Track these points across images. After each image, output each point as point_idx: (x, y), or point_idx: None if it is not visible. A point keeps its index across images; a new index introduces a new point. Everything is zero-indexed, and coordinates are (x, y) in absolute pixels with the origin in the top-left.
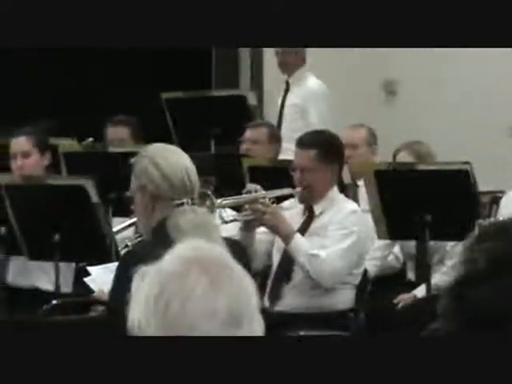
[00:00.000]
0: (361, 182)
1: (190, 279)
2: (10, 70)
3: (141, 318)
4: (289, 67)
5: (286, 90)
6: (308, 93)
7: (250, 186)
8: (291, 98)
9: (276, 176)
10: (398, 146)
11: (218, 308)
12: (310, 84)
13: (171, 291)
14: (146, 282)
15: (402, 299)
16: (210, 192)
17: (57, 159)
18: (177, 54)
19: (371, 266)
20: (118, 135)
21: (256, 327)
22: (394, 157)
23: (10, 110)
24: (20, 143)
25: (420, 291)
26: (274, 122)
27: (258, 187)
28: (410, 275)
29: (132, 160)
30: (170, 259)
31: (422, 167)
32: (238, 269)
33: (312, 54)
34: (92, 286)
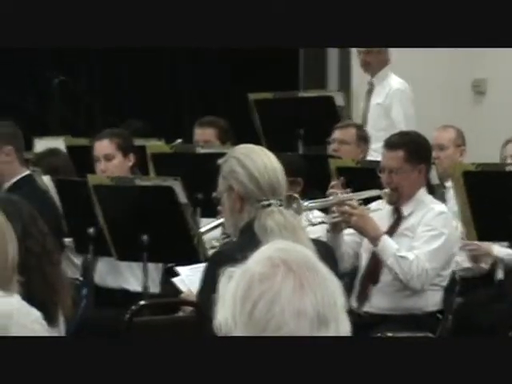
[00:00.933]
0: (449, 183)
1: (277, 280)
2: (101, 72)
3: (228, 318)
4: (371, 67)
5: (370, 90)
6: (391, 92)
7: (335, 183)
8: (375, 98)
9: (364, 177)
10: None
11: (304, 309)
12: (393, 83)
13: (258, 292)
14: (232, 282)
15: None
16: (296, 195)
17: (145, 160)
18: (264, 55)
19: (459, 267)
20: (205, 136)
21: (342, 328)
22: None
23: (100, 111)
24: (103, 146)
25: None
26: (360, 122)
27: (340, 182)
28: (500, 275)
29: (219, 161)
30: (257, 260)
31: (510, 168)
32: (324, 270)
33: (399, 53)
34: (180, 286)
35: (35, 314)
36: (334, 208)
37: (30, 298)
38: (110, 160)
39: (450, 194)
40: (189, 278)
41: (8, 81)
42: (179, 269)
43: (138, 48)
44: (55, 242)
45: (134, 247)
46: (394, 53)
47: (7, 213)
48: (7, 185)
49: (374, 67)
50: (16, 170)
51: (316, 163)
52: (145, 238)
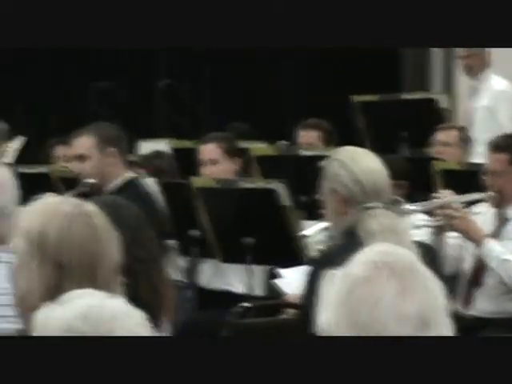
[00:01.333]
0: None
1: (379, 284)
2: (207, 74)
3: (330, 321)
4: (473, 70)
5: (474, 93)
6: (496, 94)
7: (442, 192)
8: (479, 101)
9: (467, 179)
10: None
11: (407, 312)
12: (497, 85)
13: (360, 295)
14: (334, 285)
15: None
16: (400, 198)
17: (249, 162)
18: (365, 56)
19: None
20: (308, 139)
21: (444, 330)
22: None
23: (205, 113)
24: (208, 150)
25: None
26: (465, 124)
27: (450, 192)
28: None
29: (323, 163)
30: (359, 263)
31: None
32: (427, 273)
33: (501, 53)
34: (283, 288)
35: (139, 315)
36: (438, 211)
37: (135, 301)
38: (215, 164)
39: None
40: (292, 280)
41: (116, 83)
42: (282, 271)
43: (243, 49)
44: (160, 245)
45: (237, 249)
46: (496, 54)
47: (115, 217)
48: (111, 187)
49: (475, 70)
50: (120, 172)
51: (419, 165)
52: (249, 240)
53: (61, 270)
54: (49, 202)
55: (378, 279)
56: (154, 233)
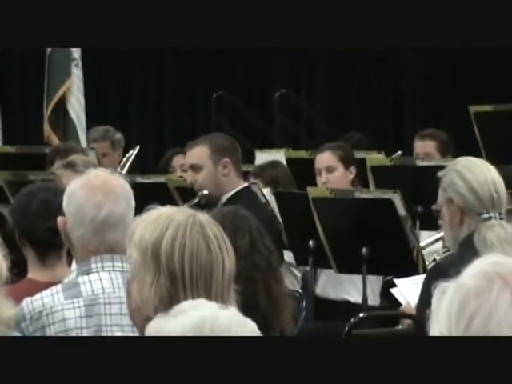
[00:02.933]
0: None
1: (493, 294)
2: (323, 84)
3: (443, 333)
4: None
5: None
6: None
7: None
8: None
9: None
10: None
11: None
12: None
13: (474, 307)
14: (446, 297)
15: None
16: None
17: (364, 172)
18: (483, 65)
19: None
20: (425, 149)
21: None
22: None
23: (321, 123)
24: (324, 158)
25: None
26: None
27: None
28: None
29: (439, 173)
30: (471, 274)
31: None
32: None
33: None
34: (399, 298)
35: (252, 326)
36: None
37: (253, 310)
38: (331, 172)
39: None
40: (407, 290)
41: (233, 93)
42: (398, 281)
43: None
44: (277, 255)
45: (353, 259)
46: None
47: (235, 226)
48: (225, 197)
49: None
50: (234, 183)
51: None
52: (364, 250)
53: (175, 280)
54: (163, 213)
55: (491, 290)
56: (272, 243)
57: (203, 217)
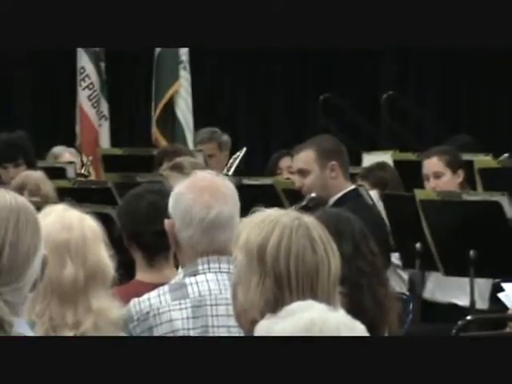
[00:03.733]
0: None
1: None
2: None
3: None
4: None
5: None
6: None
7: None
8: None
9: None
10: None
11: None
12: None
13: None
14: None
15: None
16: None
17: (472, 175)
18: None
19: None
20: None
21: None
22: None
23: (430, 124)
24: (432, 164)
25: None
26: None
27: None
28: None
29: None
30: None
31: None
32: None
33: None
34: (506, 302)
35: (361, 328)
36: None
37: (359, 314)
38: (439, 177)
39: None
40: None
41: (342, 95)
42: (506, 285)
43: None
44: (384, 258)
45: (461, 262)
46: None
47: (339, 229)
48: (333, 200)
49: None
50: (341, 185)
51: None
52: (472, 253)
53: (280, 282)
54: (268, 215)
55: None
56: (377, 245)
57: (308, 219)
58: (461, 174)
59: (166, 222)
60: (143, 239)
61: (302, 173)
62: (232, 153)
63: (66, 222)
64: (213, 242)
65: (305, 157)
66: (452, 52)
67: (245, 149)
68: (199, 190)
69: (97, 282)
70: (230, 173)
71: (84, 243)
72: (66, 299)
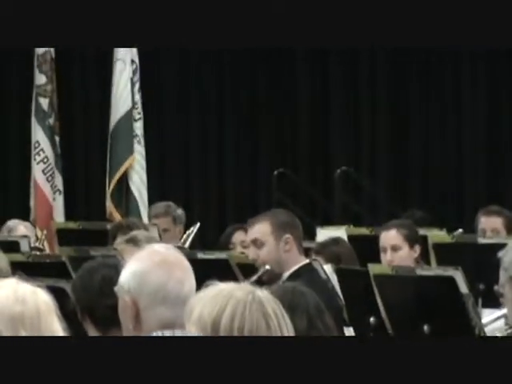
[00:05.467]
0: None
1: None
2: (385, 161)
3: None
4: None
5: None
6: None
7: None
8: None
9: None
10: None
11: None
12: None
13: None
14: None
15: None
16: None
17: (426, 249)
18: None
19: None
20: (491, 225)
21: None
22: None
23: (383, 200)
24: (390, 236)
25: None
26: None
27: None
28: None
29: (500, 253)
30: None
31: None
32: None
33: None
34: None
35: None
36: None
37: None
38: (396, 251)
39: None
40: None
41: (292, 172)
42: None
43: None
44: (338, 333)
45: (415, 337)
46: None
47: (293, 304)
48: (287, 274)
49: None
50: (295, 259)
51: None
52: (426, 327)
53: None
54: (222, 289)
55: None
56: (331, 319)
57: (262, 293)
58: (417, 248)
59: (126, 300)
60: (97, 313)
61: (257, 244)
62: (187, 227)
63: (20, 295)
64: (179, 316)
65: (260, 228)
66: (403, 124)
67: (198, 224)
68: (169, 265)
69: None
70: (186, 246)
71: (38, 316)
72: None
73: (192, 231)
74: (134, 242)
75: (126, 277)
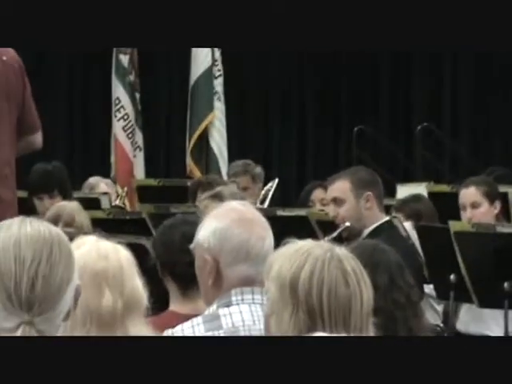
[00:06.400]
0: None
1: None
2: (465, 117)
3: None
4: None
5: None
6: None
7: None
8: None
9: None
10: None
11: None
12: None
13: None
14: None
15: None
16: None
17: (507, 206)
18: None
19: None
20: None
21: None
22: None
23: (465, 157)
24: (470, 194)
25: None
26: None
27: None
28: None
29: None
30: None
31: None
32: None
33: None
34: None
35: None
36: None
37: None
38: (476, 207)
39: None
40: None
41: (376, 127)
42: None
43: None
44: (418, 290)
45: (495, 294)
46: None
47: (374, 261)
48: (367, 231)
49: None
50: (376, 216)
51: None
52: (506, 284)
53: (313, 314)
54: (300, 246)
55: None
56: (412, 277)
57: (341, 251)
58: (497, 205)
59: (207, 258)
60: (178, 270)
61: (337, 202)
62: (265, 184)
63: (102, 252)
64: (259, 273)
65: (340, 186)
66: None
67: (277, 179)
68: (249, 222)
69: (133, 310)
70: (266, 204)
71: (121, 272)
72: (105, 327)
73: (271, 186)
74: (219, 198)
75: (204, 234)
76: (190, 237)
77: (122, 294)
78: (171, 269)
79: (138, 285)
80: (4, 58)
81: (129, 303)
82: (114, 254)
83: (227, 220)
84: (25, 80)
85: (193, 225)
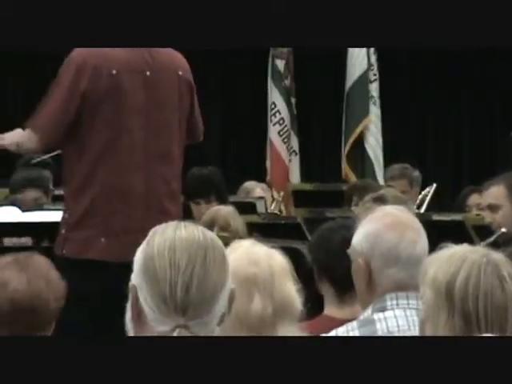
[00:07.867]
0: None
1: None
2: None
3: None
4: None
5: None
6: None
7: None
8: None
9: None
10: None
11: None
12: None
13: None
14: None
15: None
16: None
17: None
18: None
19: None
20: None
21: None
22: None
23: None
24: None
25: None
26: None
27: None
28: None
29: None
30: None
31: None
32: None
33: None
34: None
35: None
36: None
37: None
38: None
39: None
40: None
41: None
42: None
43: None
44: None
45: None
46: None
47: None
48: None
49: None
50: None
51: None
52: None
53: (469, 320)
54: (456, 251)
55: None
56: None
57: (497, 256)
58: None
59: (359, 261)
60: (336, 274)
61: (492, 208)
62: (422, 188)
63: (253, 257)
64: (412, 277)
65: (495, 192)
66: None
67: (435, 185)
68: (401, 226)
69: (284, 315)
70: (423, 209)
71: (271, 277)
72: (254, 332)
73: (428, 192)
74: (382, 201)
75: (358, 239)
76: (349, 241)
77: (272, 300)
78: (330, 273)
79: (290, 290)
80: (180, 73)
81: (280, 308)
82: (265, 259)
83: (379, 224)
84: (193, 92)
85: (351, 229)
